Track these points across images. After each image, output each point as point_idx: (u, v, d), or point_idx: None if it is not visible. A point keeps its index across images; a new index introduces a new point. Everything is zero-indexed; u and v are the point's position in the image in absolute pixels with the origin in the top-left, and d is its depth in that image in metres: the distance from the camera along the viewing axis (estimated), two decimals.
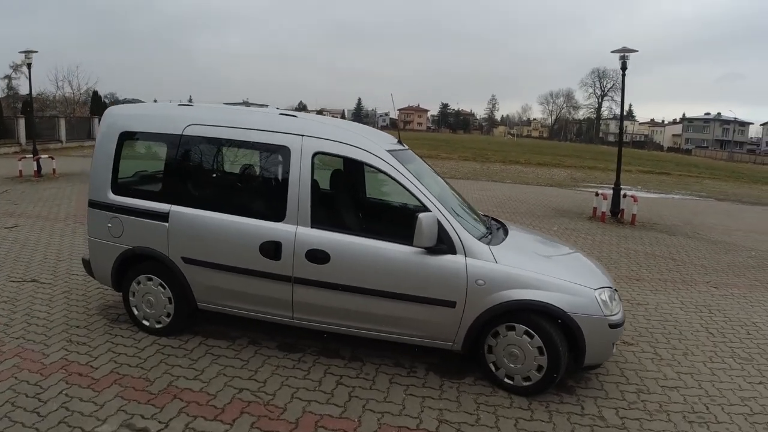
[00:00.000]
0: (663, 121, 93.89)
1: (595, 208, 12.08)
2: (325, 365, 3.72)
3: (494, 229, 4.00)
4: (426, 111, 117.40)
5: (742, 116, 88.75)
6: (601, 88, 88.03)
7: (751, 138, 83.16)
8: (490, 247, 3.46)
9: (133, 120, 4.13)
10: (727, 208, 15.62)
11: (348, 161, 3.99)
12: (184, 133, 3.88)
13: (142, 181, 4.33)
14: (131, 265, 4.03)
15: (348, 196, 4.34)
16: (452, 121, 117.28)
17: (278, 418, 3.07)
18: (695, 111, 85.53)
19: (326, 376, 3.56)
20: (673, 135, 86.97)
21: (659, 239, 9.65)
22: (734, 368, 4.15)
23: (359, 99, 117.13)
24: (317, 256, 3.49)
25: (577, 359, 3.39)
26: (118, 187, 4.03)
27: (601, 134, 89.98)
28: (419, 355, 3.88)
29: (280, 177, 3.79)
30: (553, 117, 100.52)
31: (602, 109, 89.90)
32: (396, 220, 4.10)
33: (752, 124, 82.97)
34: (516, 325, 3.35)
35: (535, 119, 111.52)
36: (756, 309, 5.75)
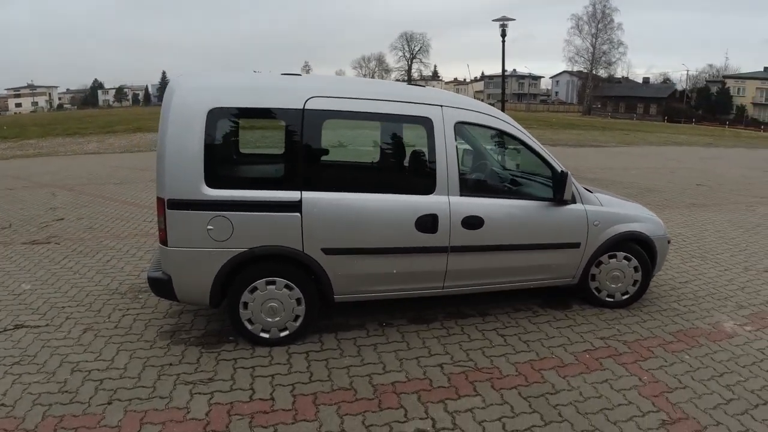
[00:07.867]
0: (465, 79, 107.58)
1: None
2: (470, 324, 4.28)
3: None
4: None
5: (535, 71, 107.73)
6: (410, 51, 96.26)
7: (543, 90, 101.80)
8: (596, 194, 4.56)
9: (227, 94, 3.61)
10: (569, 152, 19.72)
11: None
12: (306, 108, 3.65)
13: (251, 168, 4.02)
14: (239, 272, 3.69)
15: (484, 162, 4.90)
16: None
17: (502, 376, 3.52)
18: (494, 69, 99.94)
19: (485, 333, 4.13)
20: (476, 91, 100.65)
21: None
22: (705, 264, 6.11)
23: (163, 72, 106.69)
24: (473, 222, 3.97)
25: (650, 272, 4.74)
26: (217, 179, 3.54)
27: None
28: (525, 298, 4.78)
29: (425, 149, 3.98)
30: None
31: (412, 71, 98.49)
32: (524, 179, 4.74)
33: (543, 77, 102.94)
34: (617, 253, 4.53)
35: None
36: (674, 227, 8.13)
